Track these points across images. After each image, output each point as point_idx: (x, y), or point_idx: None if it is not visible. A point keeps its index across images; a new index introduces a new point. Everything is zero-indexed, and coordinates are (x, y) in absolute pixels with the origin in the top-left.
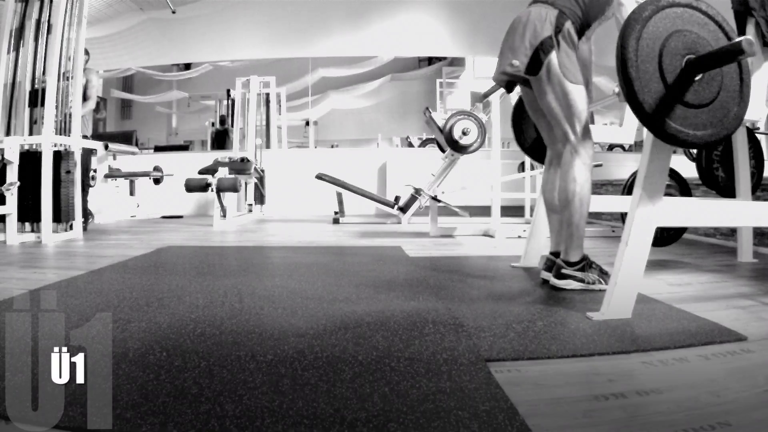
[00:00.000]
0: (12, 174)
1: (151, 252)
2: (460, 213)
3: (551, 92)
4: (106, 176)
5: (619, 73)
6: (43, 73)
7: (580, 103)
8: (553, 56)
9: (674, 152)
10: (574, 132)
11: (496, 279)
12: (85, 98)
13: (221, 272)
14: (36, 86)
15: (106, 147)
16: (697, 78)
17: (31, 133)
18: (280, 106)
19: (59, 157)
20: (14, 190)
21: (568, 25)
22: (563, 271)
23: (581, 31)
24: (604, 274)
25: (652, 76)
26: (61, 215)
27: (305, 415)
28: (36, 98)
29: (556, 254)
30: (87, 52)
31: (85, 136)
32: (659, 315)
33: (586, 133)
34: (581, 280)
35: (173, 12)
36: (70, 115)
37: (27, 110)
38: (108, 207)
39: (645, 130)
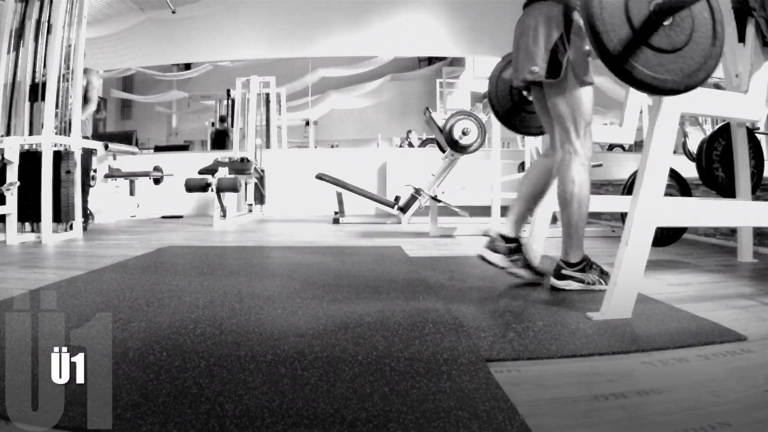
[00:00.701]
0: (12, 174)
1: (151, 252)
2: (460, 213)
3: (559, 92)
4: (106, 176)
5: (586, 29)
6: (44, 66)
7: (587, 103)
8: (568, 56)
9: (674, 152)
10: (577, 132)
11: (496, 279)
12: (85, 100)
13: (221, 272)
14: (36, 80)
15: (106, 147)
16: (666, 22)
17: (31, 133)
18: (280, 106)
19: (59, 157)
20: (14, 190)
21: (576, 17)
22: (563, 272)
23: None
24: (604, 275)
25: (620, 26)
26: (61, 215)
27: (305, 415)
28: (37, 92)
29: (508, 239)
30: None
31: (86, 137)
32: (659, 315)
33: (588, 134)
34: (581, 281)
35: (173, 12)
36: (71, 115)
37: (27, 110)
38: (108, 207)
39: (645, 130)
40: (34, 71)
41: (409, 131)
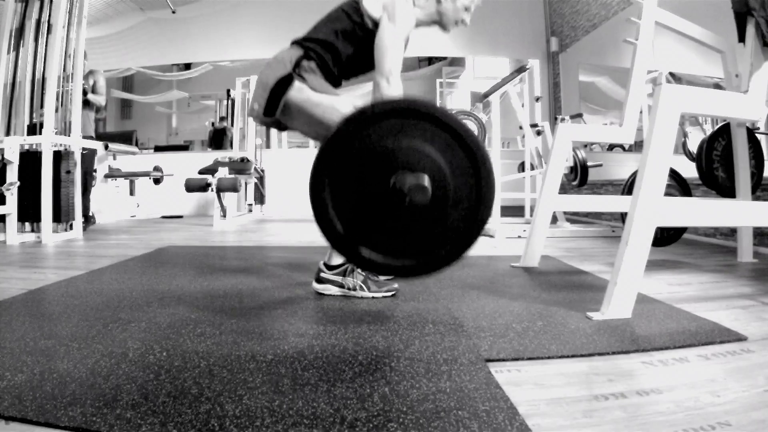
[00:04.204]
0: (12, 174)
1: (151, 252)
2: None
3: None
4: (106, 176)
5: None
6: (44, 66)
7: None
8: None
9: (674, 152)
10: None
11: (496, 279)
12: (88, 105)
13: (221, 272)
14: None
15: (106, 147)
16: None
17: (33, 133)
18: None
19: (59, 157)
20: (14, 190)
21: (305, 63)
22: (322, 275)
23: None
24: (372, 281)
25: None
26: (61, 215)
27: (305, 415)
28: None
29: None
30: (85, 55)
31: (90, 137)
32: (659, 315)
33: None
34: (340, 285)
35: (173, 12)
36: (71, 115)
37: (27, 110)
38: (108, 207)
39: (645, 130)
40: (34, 71)
41: None
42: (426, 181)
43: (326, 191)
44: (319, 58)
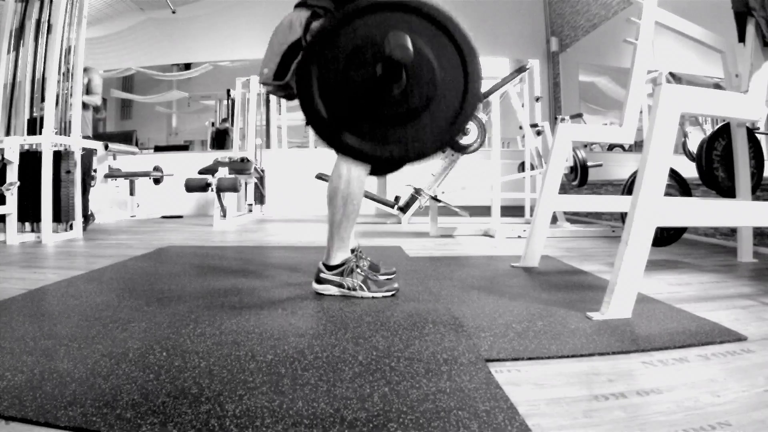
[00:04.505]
0: (12, 174)
1: (151, 252)
2: (460, 213)
3: None
4: (106, 176)
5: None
6: (44, 66)
7: None
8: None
9: (674, 152)
10: None
11: (496, 279)
12: (87, 101)
13: (221, 272)
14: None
15: (106, 147)
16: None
17: (33, 127)
18: (280, 106)
19: (59, 157)
20: (14, 190)
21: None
22: (322, 275)
23: None
24: (372, 281)
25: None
26: (61, 215)
27: (305, 415)
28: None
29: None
30: None
31: (86, 137)
32: (659, 315)
33: None
34: (340, 285)
35: (173, 12)
36: (71, 115)
37: (27, 110)
38: (108, 207)
39: (645, 130)
40: (34, 71)
41: None
42: (407, 40)
43: (313, 80)
44: (327, 13)
